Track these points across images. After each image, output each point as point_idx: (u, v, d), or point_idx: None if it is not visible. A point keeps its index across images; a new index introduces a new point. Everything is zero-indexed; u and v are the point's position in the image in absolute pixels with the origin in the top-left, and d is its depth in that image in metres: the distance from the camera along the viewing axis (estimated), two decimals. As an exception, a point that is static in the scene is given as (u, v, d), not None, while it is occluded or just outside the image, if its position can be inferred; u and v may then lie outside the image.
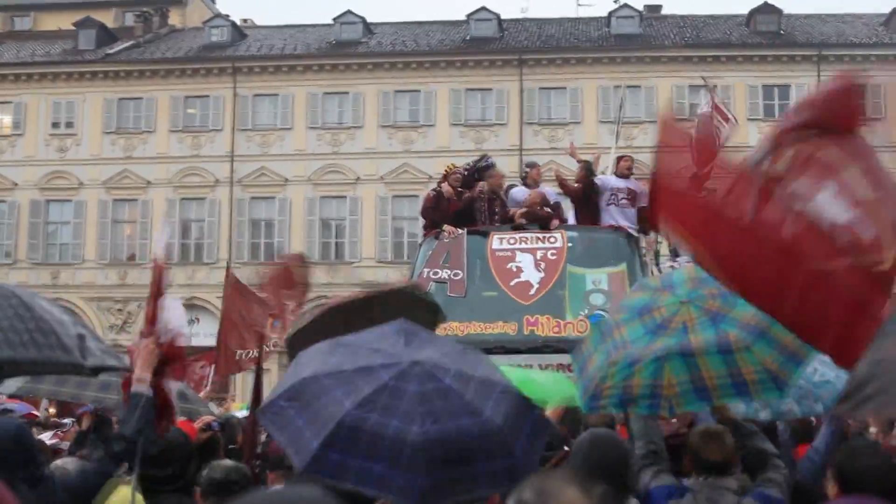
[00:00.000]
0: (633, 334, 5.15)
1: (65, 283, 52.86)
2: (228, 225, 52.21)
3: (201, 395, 15.70)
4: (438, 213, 16.13)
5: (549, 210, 16.21)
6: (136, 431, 5.30)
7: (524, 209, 16.19)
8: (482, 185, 16.51)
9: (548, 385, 9.48)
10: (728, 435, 5.50)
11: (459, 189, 16.38)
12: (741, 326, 4.88)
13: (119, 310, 52.23)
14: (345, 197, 52.13)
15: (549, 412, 8.84)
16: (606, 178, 16.41)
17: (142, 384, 5.46)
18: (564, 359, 13.74)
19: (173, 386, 6.23)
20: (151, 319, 5.85)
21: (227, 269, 16.04)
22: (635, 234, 15.95)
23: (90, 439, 12.03)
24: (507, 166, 45.83)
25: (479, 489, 4.11)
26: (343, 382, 4.14)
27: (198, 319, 49.53)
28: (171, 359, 5.75)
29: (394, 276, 45.76)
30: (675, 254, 17.40)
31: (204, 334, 47.87)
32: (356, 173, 51.83)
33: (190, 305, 48.63)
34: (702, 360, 4.85)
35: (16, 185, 53.85)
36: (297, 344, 11.06)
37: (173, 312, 5.97)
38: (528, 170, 18.20)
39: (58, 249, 54.15)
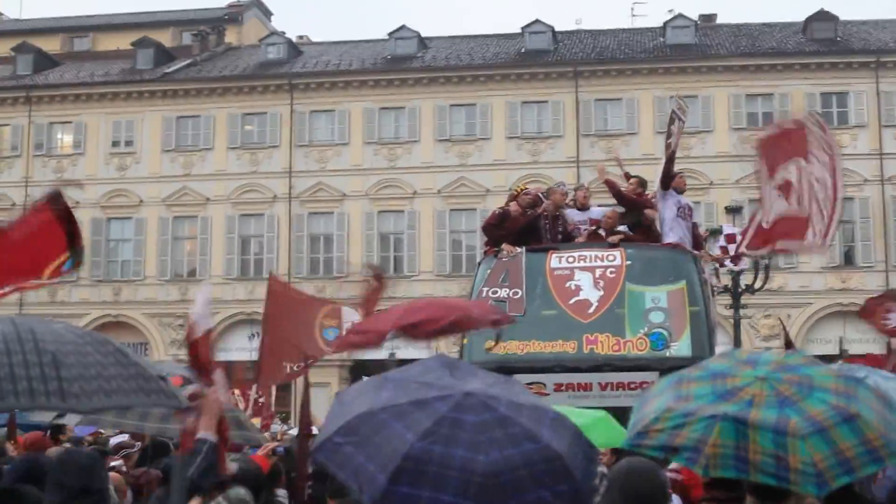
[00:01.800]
0: (699, 392, 5.17)
1: (126, 300, 53.42)
2: (287, 240, 52.50)
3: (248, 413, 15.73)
4: (502, 231, 16.14)
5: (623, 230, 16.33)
6: (201, 475, 5.44)
7: (601, 227, 16.32)
8: (547, 204, 16.53)
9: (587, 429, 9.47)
10: None
11: (527, 210, 16.37)
12: (805, 417, 4.86)
13: (180, 325, 52.60)
14: (402, 211, 52.30)
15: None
16: (670, 192, 16.29)
17: (208, 431, 5.60)
18: (624, 377, 13.81)
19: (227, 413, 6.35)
20: (209, 373, 5.97)
21: (270, 276, 15.87)
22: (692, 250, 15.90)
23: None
24: (564, 178, 45.82)
25: None
26: (400, 416, 4.15)
27: (257, 334, 49.86)
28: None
29: (453, 290, 45.90)
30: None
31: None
32: (413, 187, 52.01)
33: (249, 321, 49.08)
34: (753, 432, 4.83)
35: (77, 203, 54.35)
36: None
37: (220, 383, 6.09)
38: (575, 192, 18.13)
39: (119, 266, 54.65)
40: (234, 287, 51.70)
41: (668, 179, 16.22)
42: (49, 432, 15.57)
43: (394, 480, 3.97)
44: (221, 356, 49.64)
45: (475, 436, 4.06)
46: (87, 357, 4.64)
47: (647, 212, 16.32)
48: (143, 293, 53.50)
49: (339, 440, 4.25)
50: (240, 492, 5.44)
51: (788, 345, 13.46)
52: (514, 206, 16.39)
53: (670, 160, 16.29)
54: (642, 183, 17.15)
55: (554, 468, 4.11)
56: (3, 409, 4.68)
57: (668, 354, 14.01)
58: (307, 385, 11.28)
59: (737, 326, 33.44)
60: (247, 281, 51.98)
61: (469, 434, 4.07)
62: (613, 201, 17.00)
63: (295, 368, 13.72)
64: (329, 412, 4.65)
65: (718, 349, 15.45)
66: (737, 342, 33.12)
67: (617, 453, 9.80)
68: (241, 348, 49.14)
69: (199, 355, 6.09)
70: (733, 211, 35.40)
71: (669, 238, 15.72)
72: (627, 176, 17.54)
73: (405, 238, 52.21)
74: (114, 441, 15.75)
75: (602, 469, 8.07)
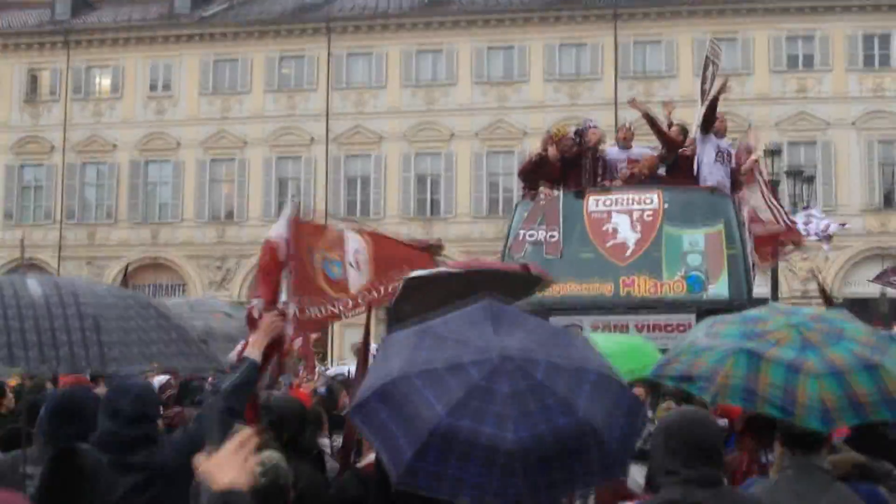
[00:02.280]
0: (727, 331, 5.21)
1: (164, 242, 53.68)
2: (325, 182, 52.55)
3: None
4: (540, 175, 16.09)
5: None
6: (231, 390, 5.51)
7: (640, 170, 16.25)
8: (592, 136, 16.45)
9: (625, 355, 9.45)
10: None
11: (566, 155, 16.23)
12: (823, 360, 4.88)
13: (218, 267, 52.94)
14: (440, 153, 52.21)
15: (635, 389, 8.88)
16: (710, 136, 16.17)
17: (254, 351, 5.68)
18: (660, 319, 13.82)
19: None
20: (273, 294, 6.02)
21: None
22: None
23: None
24: (602, 120, 45.46)
25: (575, 486, 4.09)
26: (433, 382, 4.09)
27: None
28: (277, 347, 5.93)
29: (490, 232, 45.94)
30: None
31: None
32: (451, 129, 51.87)
33: (288, 263, 49.27)
34: (765, 365, 4.85)
35: (115, 146, 54.66)
36: (401, 309, 11.13)
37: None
38: (617, 132, 18.04)
39: (157, 208, 54.92)
40: (271, 229, 51.78)
41: (709, 123, 16.11)
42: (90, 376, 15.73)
43: (419, 457, 3.97)
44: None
45: (506, 409, 4.01)
46: (129, 322, 4.71)
47: (684, 150, 16.22)
48: (181, 235, 53.74)
49: (375, 405, 4.21)
50: (274, 455, 5.48)
51: (827, 301, 13.46)
52: (552, 152, 16.29)
53: (712, 105, 16.18)
54: (684, 130, 17.07)
55: (585, 441, 4.07)
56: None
57: (704, 297, 14.01)
58: (367, 331, 11.17)
59: (774, 269, 33.29)
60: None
61: (499, 407, 4.01)
62: (655, 143, 16.92)
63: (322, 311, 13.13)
64: (374, 360, 4.64)
65: (756, 291, 15.47)
66: (774, 285, 32.97)
67: (651, 391, 9.81)
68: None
69: (269, 274, 6.17)
70: (772, 153, 35.15)
71: (708, 182, 15.63)
72: (670, 124, 17.41)
73: (442, 180, 52.16)
74: (157, 381, 15.89)
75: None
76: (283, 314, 5.93)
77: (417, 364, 4.22)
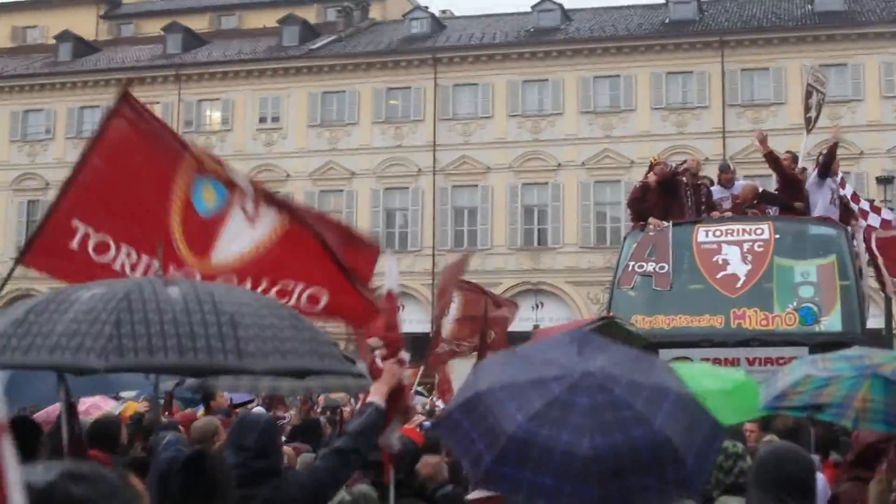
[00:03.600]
0: (837, 366, 5.21)
1: (275, 274, 54.11)
2: (432, 213, 52.82)
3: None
4: (645, 205, 16.10)
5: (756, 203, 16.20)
6: (358, 431, 5.56)
7: (737, 202, 16.21)
8: (689, 163, 16.53)
9: (732, 395, 9.32)
10: None
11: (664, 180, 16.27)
12: None
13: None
14: (546, 183, 52.14)
15: (747, 426, 8.79)
16: (828, 180, 16.08)
17: (377, 396, 5.72)
18: (772, 352, 13.67)
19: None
20: (395, 343, 6.07)
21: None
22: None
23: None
24: (710, 149, 45.39)
25: (649, 499, 4.12)
26: (515, 395, 4.20)
27: (403, 306, 50.36)
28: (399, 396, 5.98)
29: (598, 262, 45.79)
30: None
31: (409, 321, 48.62)
32: (557, 160, 51.79)
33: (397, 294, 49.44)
34: None
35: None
36: None
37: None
38: (720, 173, 17.99)
39: (267, 241, 55.35)
40: (380, 260, 52.03)
41: (827, 168, 16.05)
42: (202, 399, 15.95)
43: (498, 461, 4.06)
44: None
45: (583, 419, 4.07)
46: (264, 319, 4.80)
47: (797, 205, 16.13)
48: (291, 267, 54.09)
49: (458, 416, 4.34)
50: (362, 488, 5.53)
51: None
52: (651, 178, 16.34)
53: (831, 154, 16.13)
54: (794, 158, 17.01)
55: (661, 454, 4.09)
56: (182, 367, 4.85)
57: (817, 329, 13.85)
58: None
59: (888, 299, 32.74)
60: (393, 254, 52.34)
61: (577, 417, 4.08)
62: (759, 173, 16.86)
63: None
64: (463, 382, 4.74)
65: (869, 323, 15.25)
66: (888, 315, 32.44)
67: (762, 427, 9.69)
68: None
69: (390, 327, 6.23)
70: (884, 181, 34.67)
71: None
72: (774, 156, 17.35)
73: (549, 210, 52.08)
74: (256, 410, 16.08)
75: (744, 447, 7.99)
76: (400, 361, 5.95)
77: (502, 380, 4.34)
